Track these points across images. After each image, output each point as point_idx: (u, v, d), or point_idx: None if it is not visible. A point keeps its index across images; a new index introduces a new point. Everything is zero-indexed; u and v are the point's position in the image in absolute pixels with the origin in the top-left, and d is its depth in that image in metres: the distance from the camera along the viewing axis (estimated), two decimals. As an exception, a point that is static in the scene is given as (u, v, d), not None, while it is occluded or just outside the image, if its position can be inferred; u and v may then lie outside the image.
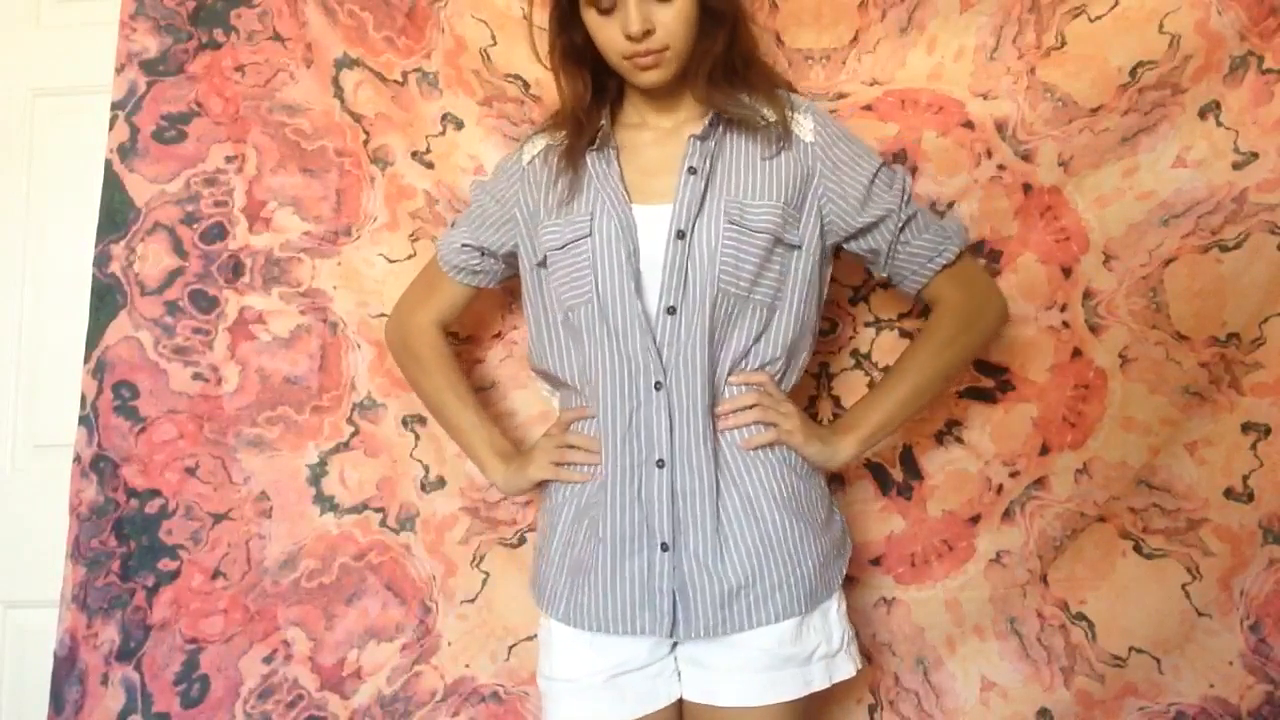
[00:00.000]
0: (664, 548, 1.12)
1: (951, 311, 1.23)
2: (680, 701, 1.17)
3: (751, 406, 1.15)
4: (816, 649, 1.14)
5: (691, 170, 1.15)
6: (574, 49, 1.19)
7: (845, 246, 1.24)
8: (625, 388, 1.13)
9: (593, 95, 1.21)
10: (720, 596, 1.11)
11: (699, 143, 1.16)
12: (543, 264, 1.20)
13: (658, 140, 1.21)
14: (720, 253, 1.12)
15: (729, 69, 1.19)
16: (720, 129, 1.18)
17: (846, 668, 1.17)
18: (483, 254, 1.29)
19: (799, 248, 1.17)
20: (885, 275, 1.25)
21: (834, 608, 1.18)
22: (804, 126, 1.19)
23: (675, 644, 1.18)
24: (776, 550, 1.13)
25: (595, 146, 1.19)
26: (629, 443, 1.14)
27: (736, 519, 1.13)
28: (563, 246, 1.17)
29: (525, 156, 1.26)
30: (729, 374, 1.15)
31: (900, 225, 1.20)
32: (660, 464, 1.12)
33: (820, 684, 1.14)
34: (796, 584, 1.13)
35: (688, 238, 1.13)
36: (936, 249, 1.21)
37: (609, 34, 1.12)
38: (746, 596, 1.12)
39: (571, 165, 1.20)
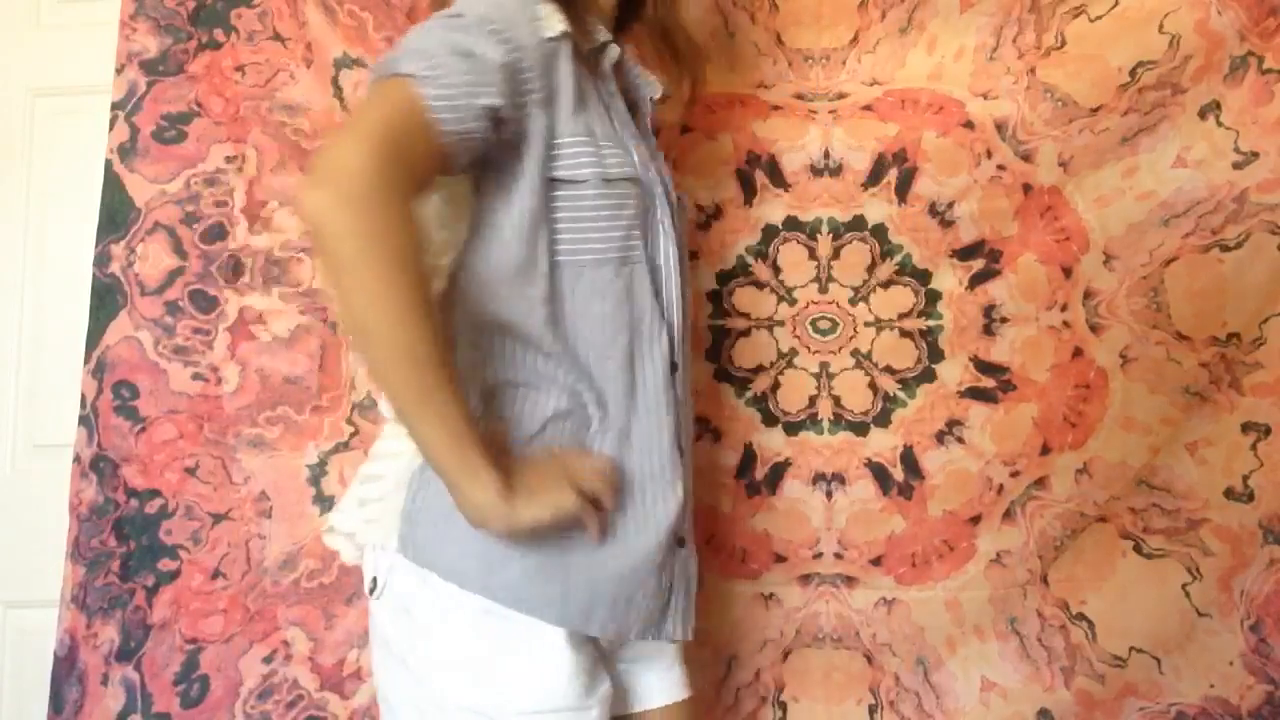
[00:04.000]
0: (680, 543, 1.00)
1: None
2: None
3: None
4: None
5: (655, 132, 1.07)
6: None
7: None
8: (658, 367, 0.96)
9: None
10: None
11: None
12: (581, 182, 0.90)
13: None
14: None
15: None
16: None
17: None
18: (498, 124, 0.86)
19: None
20: None
21: None
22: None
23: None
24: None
25: (601, 76, 1.00)
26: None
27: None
28: (613, 180, 0.92)
29: (547, 29, 0.90)
30: None
31: None
32: (682, 452, 1.00)
33: None
34: None
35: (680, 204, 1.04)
36: None
37: None
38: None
39: (593, 73, 0.97)
